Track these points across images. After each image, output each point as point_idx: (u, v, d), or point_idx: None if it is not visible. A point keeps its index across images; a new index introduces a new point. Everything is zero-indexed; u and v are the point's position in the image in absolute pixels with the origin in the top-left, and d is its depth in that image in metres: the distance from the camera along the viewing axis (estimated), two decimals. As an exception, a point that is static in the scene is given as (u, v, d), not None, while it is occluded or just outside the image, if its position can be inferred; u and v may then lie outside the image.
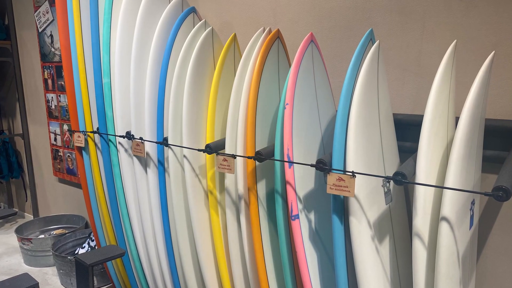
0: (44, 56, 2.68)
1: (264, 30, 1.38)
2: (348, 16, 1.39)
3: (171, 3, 1.52)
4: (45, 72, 2.71)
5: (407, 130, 1.31)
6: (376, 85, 1.11)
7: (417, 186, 0.94)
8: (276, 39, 1.30)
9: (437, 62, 1.25)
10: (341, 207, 1.04)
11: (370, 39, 1.16)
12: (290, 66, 1.43)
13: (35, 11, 2.63)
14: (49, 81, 2.69)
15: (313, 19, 1.48)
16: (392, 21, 1.30)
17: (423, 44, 1.26)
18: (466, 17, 1.18)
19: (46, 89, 2.74)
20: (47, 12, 2.55)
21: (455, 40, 1.04)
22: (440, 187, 0.91)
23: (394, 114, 1.30)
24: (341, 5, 1.40)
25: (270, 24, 1.59)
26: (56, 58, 2.60)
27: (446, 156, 1.06)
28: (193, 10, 1.54)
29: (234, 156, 1.23)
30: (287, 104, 1.10)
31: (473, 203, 1.06)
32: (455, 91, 1.14)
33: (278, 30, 1.30)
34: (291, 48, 1.55)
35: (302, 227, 1.12)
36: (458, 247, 0.95)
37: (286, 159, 1.10)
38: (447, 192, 0.90)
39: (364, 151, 1.03)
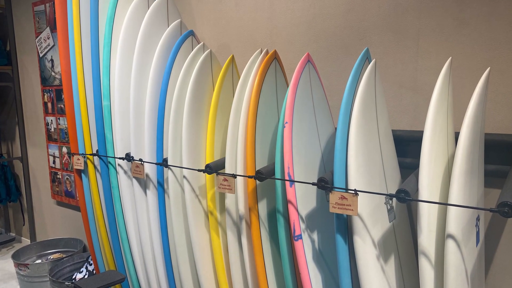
0: (44, 80, 2.70)
1: (261, 51, 1.40)
2: (344, 36, 1.42)
3: (170, 26, 1.55)
4: (45, 96, 2.73)
5: (406, 146, 1.31)
6: (374, 102, 1.11)
7: (420, 203, 0.93)
8: (273, 60, 1.32)
9: (433, 78, 1.26)
10: (345, 226, 1.03)
11: (366, 58, 1.18)
12: (287, 86, 1.44)
13: (36, 37, 2.68)
14: (49, 104, 2.71)
15: (309, 40, 1.50)
16: (387, 40, 1.33)
17: (419, 61, 1.28)
18: (459, 35, 1.20)
19: (46, 112, 2.75)
20: (48, 38, 2.60)
21: (450, 57, 1.05)
22: (444, 204, 0.90)
23: (393, 130, 1.30)
24: (336, 26, 1.43)
25: (267, 45, 1.62)
26: (56, 82, 2.62)
27: (448, 172, 1.05)
28: (191, 33, 1.57)
29: (234, 176, 1.22)
30: (286, 122, 1.10)
31: (478, 219, 1.05)
32: (453, 107, 1.15)
33: (275, 51, 1.32)
34: (289, 68, 1.57)
35: (306, 248, 1.09)
36: (466, 265, 0.93)
37: (287, 177, 1.09)
38: (451, 209, 0.89)
39: (365, 169, 1.03)
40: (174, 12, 1.68)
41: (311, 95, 1.22)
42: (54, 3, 2.50)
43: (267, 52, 1.36)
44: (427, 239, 0.93)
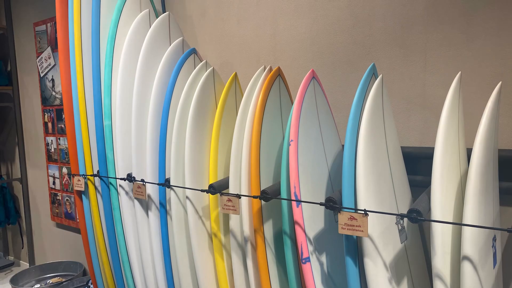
0: (45, 100, 2.70)
1: (265, 68, 1.38)
2: (348, 52, 1.41)
3: (172, 45, 1.54)
4: (46, 116, 2.71)
5: (416, 163, 1.27)
6: (382, 118, 1.09)
7: (433, 223, 0.89)
8: (277, 77, 1.30)
9: (442, 93, 1.24)
10: (355, 248, 0.98)
11: (373, 73, 1.16)
12: (292, 103, 1.42)
13: (38, 57, 2.69)
14: (49, 124, 2.69)
15: (313, 55, 1.49)
16: (393, 55, 1.31)
17: (427, 76, 1.26)
18: (467, 49, 1.19)
19: (46, 132, 2.73)
20: (49, 57, 2.61)
21: (460, 72, 1.03)
22: (459, 224, 0.86)
23: (402, 147, 1.27)
24: (340, 41, 1.42)
25: (270, 62, 1.61)
26: (57, 102, 2.61)
27: (461, 190, 1.01)
28: (193, 51, 1.56)
29: (238, 196, 1.19)
30: (291, 140, 1.08)
31: (494, 239, 1.01)
32: (464, 123, 1.12)
33: (279, 68, 1.31)
34: (293, 84, 1.55)
35: (314, 271, 1.05)
36: (484, 289, 0.89)
37: (293, 197, 1.05)
38: (466, 230, 0.85)
39: (374, 188, 0.99)
40: (176, 30, 1.67)
41: (317, 112, 1.20)
42: (55, 23, 2.52)
43: (270, 69, 1.34)
44: (441, 261, 0.89)
